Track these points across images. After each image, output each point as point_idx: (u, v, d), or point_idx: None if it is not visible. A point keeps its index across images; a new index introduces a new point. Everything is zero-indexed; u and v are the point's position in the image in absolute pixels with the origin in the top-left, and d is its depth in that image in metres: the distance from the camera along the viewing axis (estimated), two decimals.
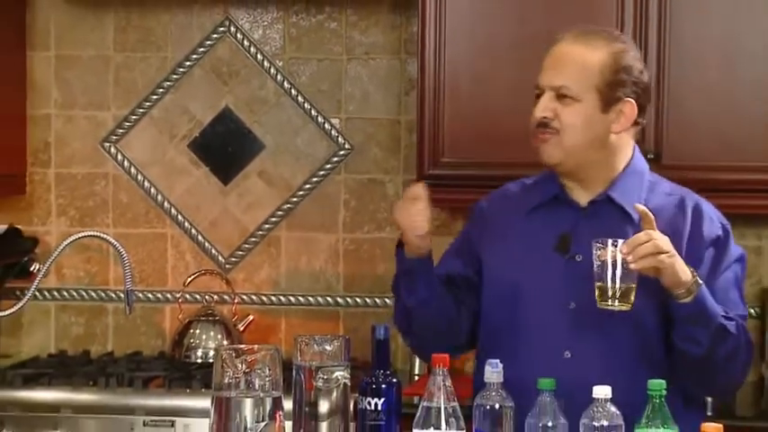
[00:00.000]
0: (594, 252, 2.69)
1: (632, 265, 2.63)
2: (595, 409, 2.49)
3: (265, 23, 4.34)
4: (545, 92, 2.85)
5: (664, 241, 2.66)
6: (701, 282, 2.71)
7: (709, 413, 3.65)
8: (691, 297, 2.70)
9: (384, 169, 4.32)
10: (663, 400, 2.48)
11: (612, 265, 2.66)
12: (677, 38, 3.81)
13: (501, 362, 2.54)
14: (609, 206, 2.87)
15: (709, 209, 2.91)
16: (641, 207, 2.70)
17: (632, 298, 2.68)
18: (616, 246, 2.66)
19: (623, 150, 2.90)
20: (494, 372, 2.53)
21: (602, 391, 2.50)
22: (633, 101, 2.84)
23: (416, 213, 2.82)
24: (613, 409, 2.49)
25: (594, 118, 2.83)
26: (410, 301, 2.90)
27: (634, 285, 2.68)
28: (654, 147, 3.78)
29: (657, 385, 2.48)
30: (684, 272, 2.68)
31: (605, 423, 2.48)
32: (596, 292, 2.70)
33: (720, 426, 2.44)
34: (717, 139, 3.80)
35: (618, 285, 2.67)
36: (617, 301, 2.68)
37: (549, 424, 2.48)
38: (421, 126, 3.98)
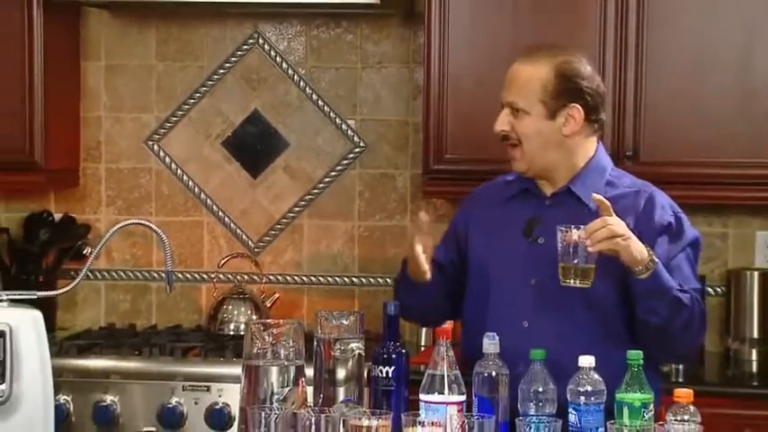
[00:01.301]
0: (559, 236, 2.72)
1: (590, 248, 2.66)
2: (580, 377, 2.49)
3: (290, 36, 4.34)
4: (504, 108, 2.89)
5: (620, 226, 2.68)
6: (656, 260, 2.73)
7: (680, 380, 3.66)
8: (648, 273, 2.72)
9: (394, 165, 4.31)
10: (640, 368, 2.48)
11: (574, 247, 2.68)
12: (653, 50, 3.80)
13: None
14: (569, 197, 2.91)
15: (662, 199, 2.92)
16: (598, 196, 2.73)
17: (591, 277, 2.71)
18: (578, 230, 2.68)
19: (582, 149, 2.92)
20: (491, 343, 2.54)
21: (586, 361, 2.51)
22: (579, 105, 2.85)
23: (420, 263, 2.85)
24: (596, 376, 2.49)
25: (544, 125, 2.86)
26: (408, 301, 2.90)
27: (593, 266, 2.70)
28: (632, 145, 3.78)
29: (636, 355, 2.49)
30: (641, 252, 2.70)
31: (589, 388, 2.48)
32: (560, 271, 2.73)
33: (691, 391, 2.44)
34: (687, 139, 3.78)
35: (579, 265, 2.70)
36: (578, 279, 2.71)
37: (540, 389, 2.48)
38: (426, 127, 3.98)
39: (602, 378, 2.48)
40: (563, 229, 2.71)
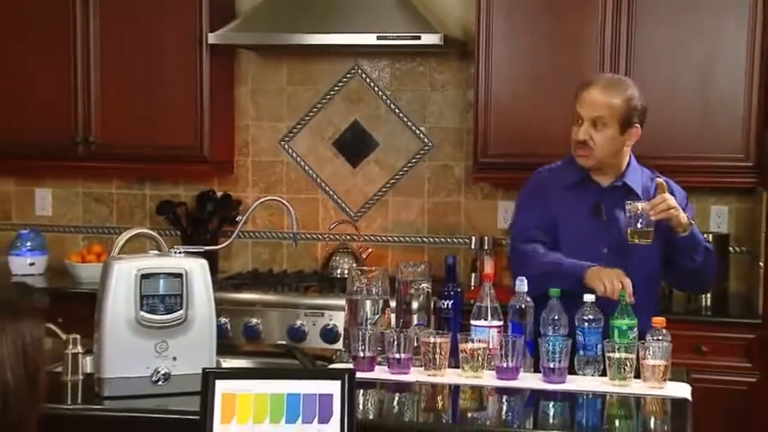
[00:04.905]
0: (627, 208, 2.67)
1: (653, 217, 2.64)
2: (585, 308, 2.47)
3: (380, 68, 4.32)
4: (584, 121, 2.79)
5: (673, 201, 2.68)
6: (693, 223, 2.74)
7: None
8: (688, 232, 2.72)
9: (452, 158, 4.28)
10: (627, 303, 2.46)
11: (638, 216, 2.65)
12: (638, 73, 3.71)
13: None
14: (622, 187, 2.83)
15: (673, 183, 2.88)
16: (660, 180, 2.73)
17: (651, 237, 2.67)
18: (640, 203, 2.67)
19: (627, 153, 2.88)
20: (521, 285, 2.52)
21: (589, 298, 2.48)
22: (638, 126, 2.82)
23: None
24: (596, 308, 2.47)
25: (616, 138, 2.80)
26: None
27: (652, 229, 2.66)
28: None
29: (624, 294, 2.46)
30: (685, 218, 2.71)
31: (591, 317, 2.46)
32: (628, 234, 2.67)
33: (663, 318, 2.43)
34: (663, 138, 3.70)
35: (642, 229, 2.66)
36: (642, 239, 2.67)
37: (556, 317, 2.46)
38: (476, 131, 3.94)
39: (641, 305, 2.51)
40: (629, 203, 2.68)
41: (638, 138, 2.84)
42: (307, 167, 4.41)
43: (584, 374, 2.42)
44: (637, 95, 2.82)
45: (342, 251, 4.17)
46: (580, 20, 3.81)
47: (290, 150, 4.42)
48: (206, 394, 1.92)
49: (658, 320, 2.40)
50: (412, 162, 4.32)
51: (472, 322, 2.48)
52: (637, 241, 2.67)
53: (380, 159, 4.35)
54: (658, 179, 2.74)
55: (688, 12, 3.75)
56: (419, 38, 3.78)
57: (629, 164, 2.87)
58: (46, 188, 4.58)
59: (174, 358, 2.26)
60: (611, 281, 2.58)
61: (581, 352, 2.44)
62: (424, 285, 2.58)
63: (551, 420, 2.23)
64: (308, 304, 3.76)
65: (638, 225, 2.65)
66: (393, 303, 2.59)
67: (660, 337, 2.36)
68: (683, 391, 2.34)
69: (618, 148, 2.82)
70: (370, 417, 2.16)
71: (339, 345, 3.33)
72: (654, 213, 2.64)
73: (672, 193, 2.78)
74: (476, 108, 3.93)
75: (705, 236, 2.97)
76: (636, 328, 2.43)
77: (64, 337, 2.36)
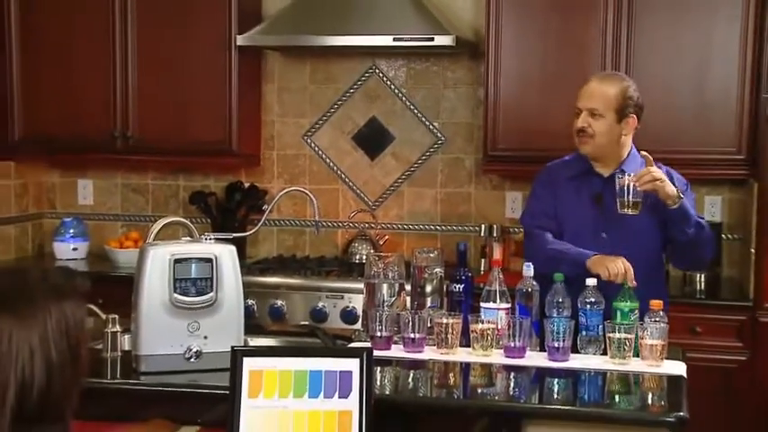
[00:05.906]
0: (617, 180, 2.67)
1: (639, 188, 2.63)
2: (587, 291, 2.46)
3: (396, 67, 4.30)
4: (583, 111, 2.80)
5: (659, 173, 2.66)
6: (682, 196, 2.70)
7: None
8: (677, 204, 2.68)
9: (464, 151, 4.26)
10: (629, 287, 2.45)
11: (627, 187, 2.63)
12: (637, 72, 3.68)
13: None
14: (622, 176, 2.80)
15: (675, 173, 2.86)
16: (645, 153, 2.70)
17: (639, 208, 2.65)
18: (628, 176, 2.65)
19: (627, 144, 2.86)
20: (528, 269, 2.51)
21: (591, 282, 2.47)
22: (635, 116, 2.80)
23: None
24: (598, 292, 2.46)
25: (612, 127, 2.79)
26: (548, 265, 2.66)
27: (640, 200, 2.64)
28: None
29: (626, 281, 2.46)
30: (672, 191, 2.68)
31: (593, 300, 2.45)
32: (618, 204, 2.66)
33: (661, 301, 2.42)
34: (660, 133, 3.68)
35: (631, 199, 2.64)
36: (630, 209, 2.65)
37: (560, 300, 2.45)
38: (485, 126, 3.92)
39: (645, 290, 2.48)
40: (619, 176, 2.68)
41: (635, 128, 2.83)
42: (328, 160, 4.40)
43: (587, 353, 2.41)
44: (632, 87, 2.82)
45: (360, 238, 4.17)
46: (583, 22, 3.78)
47: (313, 144, 4.42)
48: (234, 370, 1.92)
49: (656, 303, 2.39)
50: (426, 155, 4.31)
51: (482, 304, 2.47)
52: (626, 211, 2.66)
53: (397, 153, 4.34)
54: (643, 152, 2.72)
55: (684, 14, 3.72)
56: (433, 39, 3.77)
57: (629, 153, 2.86)
58: (87, 179, 4.60)
59: (205, 337, 2.27)
60: (614, 265, 2.58)
61: (583, 332, 2.43)
62: (437, 270, 2.58)
63: (556, 396, 2.23)
64: (329, 287, 3.76)
65: (627, 196, 2.65)
66: (408, 287, 2.59)
67: (657, 319, 2.36)
68: (678, 368, 2.33)
69: (616, 137, 2.80)
70: (387, 392, 2.17)
71: (358, 325, 3.34)
72: (640, 184, 2.63)
73: (671, 180, 2.77)
74: (486, 105, 3.91)
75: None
76: (636, 310, 2.42)
77: (104, 316, 2.37)
